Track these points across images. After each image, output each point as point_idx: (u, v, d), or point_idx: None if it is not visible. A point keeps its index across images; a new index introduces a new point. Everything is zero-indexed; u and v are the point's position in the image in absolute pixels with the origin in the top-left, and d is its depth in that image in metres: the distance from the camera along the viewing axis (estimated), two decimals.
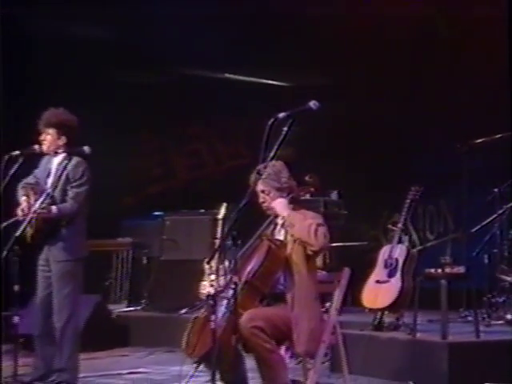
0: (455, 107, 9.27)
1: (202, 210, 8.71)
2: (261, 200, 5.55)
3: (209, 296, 5.17)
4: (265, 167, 5.46)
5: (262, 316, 5.23)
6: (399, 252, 7.06)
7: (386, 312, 7.04)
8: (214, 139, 12.08)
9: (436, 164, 9.43)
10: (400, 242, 7.14)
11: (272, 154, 4.71)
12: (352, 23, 9.83)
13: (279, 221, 5.52)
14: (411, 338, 6.69)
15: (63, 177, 6.49)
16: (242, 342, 5.26)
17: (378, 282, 7.05)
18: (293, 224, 5.36)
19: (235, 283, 5.29)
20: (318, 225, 5.36)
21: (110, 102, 10.69)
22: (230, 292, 5.28)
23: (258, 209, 5.65)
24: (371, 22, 9.78)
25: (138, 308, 9.35)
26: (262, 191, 5.54)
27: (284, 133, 4.65)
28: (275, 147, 4.69)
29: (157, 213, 9.67)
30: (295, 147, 10.84)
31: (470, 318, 7.39)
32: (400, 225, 7.12)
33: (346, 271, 5.66)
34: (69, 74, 10.51)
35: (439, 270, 6.59)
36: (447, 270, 6.59)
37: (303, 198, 8.42)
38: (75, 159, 6.53)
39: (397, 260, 7.01)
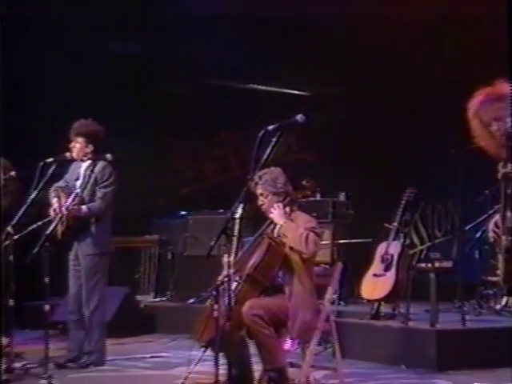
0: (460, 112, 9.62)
1: (222, 210, 9.11)
2: (260, 203, 6.00)
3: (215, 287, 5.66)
4: (264, 173, 6.03)
5: (261, 305, 5.66)
6: (394, 248, 7.46)
7: (383, 303, 7.51)
8: (239, 145, 12.45)
9: (445, 165, 9.77)
10: (396, 238, 7.58)
11: (262, 162, 5.10)
12: (362, 38, 10.24)
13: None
14: (404, 326, 7.12)
15: (91, 179, 6.97)
16: (245, 329, 5.71)
17: (375, 275, 7.49)
18: (286, 235, 5.78)
19: (240, 276, 5.86)
20: (310, 231, 5.76)
21: (148, 113, 11.19)
22: (234, 284, 5.86)
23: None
24: (381, 36, 10.19)
25: (164, 299, 9.77)
26: (261, 194, 5.98)
27: (273, 143, 5.06)
28: (265, 156, 5.08)
29: (182, 212, 10.16)
30: (314, 151, 11.46)
31: (464, 308, 7.71)
32: (395, 223, 7.55)
33: (339, 266, 6.10)
34: (109, 86, 10.97)
35: (429, 265, 7.03)
36: (436, 264, 7.03)
37: (313, 199, 8.99)
38: (101, 163, 7.01)
39: (392, 256, 7.42)
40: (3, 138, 9.43)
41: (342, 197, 9.29)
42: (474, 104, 4.75)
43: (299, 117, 5.15)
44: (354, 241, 8.92)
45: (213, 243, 5.29)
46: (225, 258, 5.71)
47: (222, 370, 5.80)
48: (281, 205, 5.94)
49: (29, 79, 10.62)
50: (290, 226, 5.84)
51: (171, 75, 11.42)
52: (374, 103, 10.46)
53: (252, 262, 5.83)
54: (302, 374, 5.86)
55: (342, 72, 10.59)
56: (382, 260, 7.48)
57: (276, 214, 5.92)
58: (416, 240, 9.50)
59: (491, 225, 4.64)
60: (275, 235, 5.93)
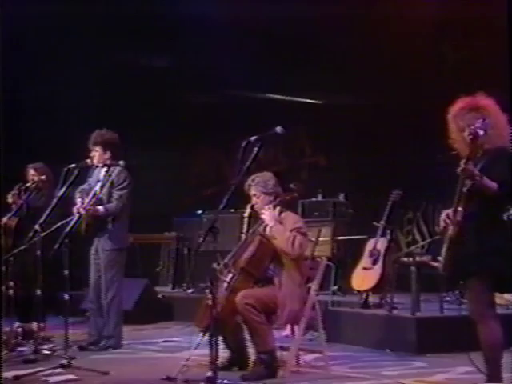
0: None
1: (232, 210, 9.59)
2: (253, 202, 6.58)
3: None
4: (256, 177, 6.58)
5: (253, 295, 6.21)
6: (381, 244, 7.97)
7: (371, 293, 8.03)
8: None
9: (444, 168, 10.18)
10: (383, 235, 8.07)
11: (244, 170, 5.61)
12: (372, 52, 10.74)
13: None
14: (389, 314, 7.63)
15: (108, 182, 7.55)
16: (239, 316, 6.24)
17: (364, 268, 8.01)
18: (275, 237, 6.31)
19: (235, 269, 6.41)
20: (297, 231, 6.28)
21: (175, 122, 11.75)
22: (229, 276, 6.43)
23: None
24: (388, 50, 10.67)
25: (181, 290, 10.34)
26: (254, 195, 6.57)
27: (254, 153, 5.52)
28: (247, 164, 5.55)
29: (198, 212, 10.75)
30: (325, 155, 11.97)
31: (447, 299, 8.13)
32: (382, 222, 8.05)
33: (323, 261, 6.68)
34: (141, 98, 11.61)
35: (410, 259, 7.54)
36: (417, 258, 7.53)
37: (316, 199, 9.55)
38: (118, 168, 7.57)
39: (379, 251, 7.94)
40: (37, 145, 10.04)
41: (341, 197, 9.86)
42: (453, 110, 5.22)
43: (278, 129, 5.60)
44: (351, 237, 9.43)
45: (201, 240, 5.71)
46: None
47: (222, 353, 6.47)
48: (271, 207, 6.50)
49: (66, 92, 11.24)
50: (278, 228, 6.35)
51: (196, 87, 12.02)
52: (375, 111, 10.94)
53: (245, 256, 6.38)
54: (291, 356, 6.44)
55: (349, 82, 11.07)
56: (371, 254, 7.98)
57: (267, 215, 6.47)
58: (418, 236, 9.94)
59: (443, 215, 5.11)
60: (266, 232, 6.43)
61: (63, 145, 10.63)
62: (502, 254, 5.02)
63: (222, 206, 5.62)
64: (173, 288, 10.40)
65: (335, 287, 9.19)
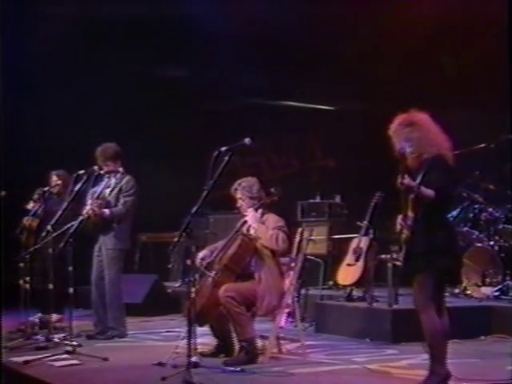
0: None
1: (236, 211, 10.07)
2: (238, 205, 7.09)
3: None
4: (242, 181, 7.07)
5: (234, 289, 6.70)
6: (364, 242, 8.40)
7: (354, 287, 8.47)
8: (270, 153, 13.53)
9: None
10: (366, 234, 8.49)
11: (215, 179, 5.99)
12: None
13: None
14: (369, 307, 8.07)
15: (117, 189, 8.05)
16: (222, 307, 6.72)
17: (348, 265, 8.44)
18: (260, 236, 6.83)
19: (219, 265, 6.91)
20: (279, 230, 6.79)
21: (193, 128, 12.19)
22: (214, 272, 6.94)
23: None
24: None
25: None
26: (240, 198, 7.07)
27: (224, 162, 5.93)
28: (218, 173, 5.94)
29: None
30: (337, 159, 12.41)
31: None
32: (365, 222, 8.48)
33: (300, 257, 7.15)
34: (160, 107, 12.07)
35: (388, 256, 7.95)
36: (394, 255, 7.93)
37: (313, 201, 10.01)
38: (127, 177, 8.10)
39: (361, 248, 8.37)
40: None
41: (338, 199, 10.30)
42: (392, 126, 5.71)
43: (247, 140, 6.06)
44: (345, 236, 9.79)
45: (176, 240, 6.19)
46: None
47: (211, 341, 6.97)
48: (254, 209, 6.98)
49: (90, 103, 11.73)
50: (261, 229, 6.87)
51: (212, 96, 12.42)
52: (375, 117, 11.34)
53: (228, 254, 6.90)
54: (270, 345, 6.93)
55: (359, 93, 11.52)
56: (354, 252, 8.41)
57: (250, 217, 6.98)
58: None
59: (399, 218, 5.59)
60: (248, 232, 6.96)
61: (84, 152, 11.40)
62: (446, 253, 5.52)
63: (194, 210, 6.06)
64: (181, 283, 10.89)
65: (331, 282, 9.62)
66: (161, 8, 11.40)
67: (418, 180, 5.45)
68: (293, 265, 7.05)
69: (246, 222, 7.05)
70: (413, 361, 6.70)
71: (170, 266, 11.16)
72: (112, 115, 11.55)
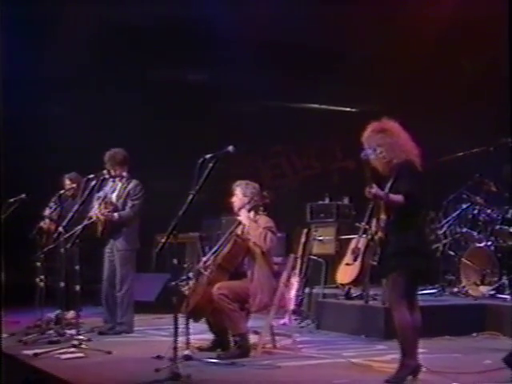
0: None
1: None
2: (232, 200, 7.38)
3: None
4: (241, 182, 7.37)
5: (227, 287, 7.02)
6: (362, 243, 8.58)
7: (352, 286, 8.67)
8: (292, 155, 13.75)
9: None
10: (364, 234, 8.66)
11: (200, 185, 6.18)
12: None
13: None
14: (364, 305, 8.29)
15: (125, 193, 8.37)
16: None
17: (347, 264, 8.55)
18: (250, 233, 7.15)
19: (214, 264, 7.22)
20: (268, 230, 7.11)
21: (217, 130, 12.09)
22: (208, 270, 7.26)
23: None
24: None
25: None
26: (235, 194, 7.39)
27: (209, 169, 6.11)
28: (202, 179, 6.12)
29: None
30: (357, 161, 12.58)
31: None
32: (363, 223, 8.65)
33: (292, 257, 7.43)
34: (183, 110, 12.30)
35: None
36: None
37: (322, 202, 10.25)
38: (134, 181, 8.41)
39: (359, 249, 8.54)
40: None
41: (346, 200, 10.52)
42: (365, 133, 5.99)
43: (231, 148, 6.27)
44: (352, 236, 10.01)
45: (163, 240, 6.47)
46: None
47: (208, 337, 7.28)
48: (246, 210, 7.31)
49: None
50: (252, 226, 7.20)
51: (236, 98, 12.66)
52: (396, 119, 11.48)
53: (222, 253, 7.22)
54: (261, 339, 7.23)
55: (377, 94, 11.61)
56: (352, 252, 8.57)
57: (243, 216, 7.30)
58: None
59: (374, 221, 5.86)
60: (241, 232, 7.29)
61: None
62: (416, 253, 5.79)
63: (181, 213, 6.32)
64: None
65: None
66: (180, 11, 11.54)
67: (388, 185, 5.74)
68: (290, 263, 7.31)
69: (239, 223, 7.35)
70: (397, 356, 6.81)
71: (185, 265, 11.46)
72: (133, 118, 11.87)
